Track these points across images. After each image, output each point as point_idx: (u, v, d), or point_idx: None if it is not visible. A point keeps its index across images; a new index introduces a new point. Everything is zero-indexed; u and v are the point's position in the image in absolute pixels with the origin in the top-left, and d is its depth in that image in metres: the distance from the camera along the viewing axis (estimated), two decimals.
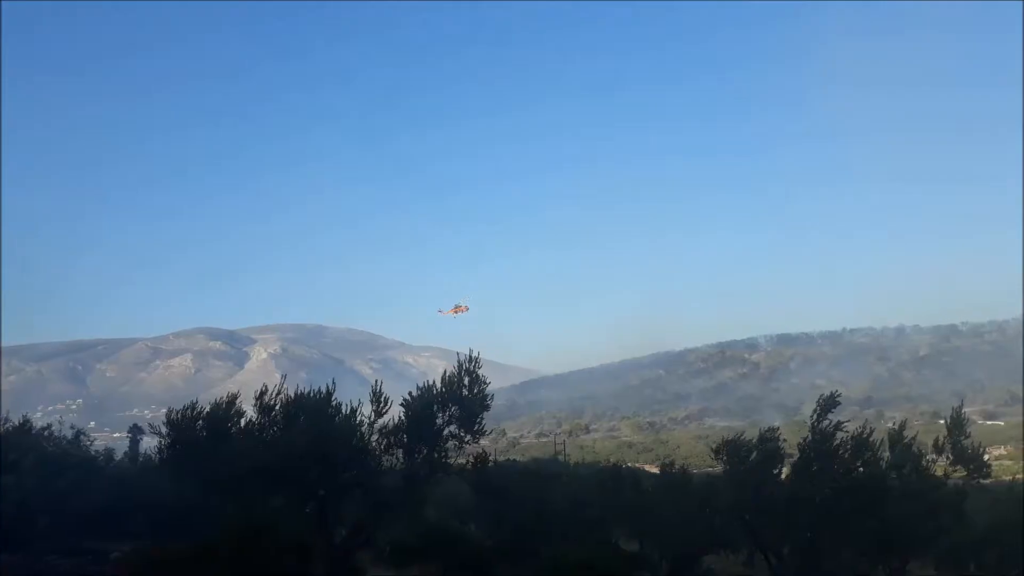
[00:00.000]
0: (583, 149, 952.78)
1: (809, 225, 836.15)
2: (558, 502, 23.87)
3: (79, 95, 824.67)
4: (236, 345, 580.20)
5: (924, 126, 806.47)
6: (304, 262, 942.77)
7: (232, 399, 17.78)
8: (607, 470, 30.70)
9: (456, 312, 56.35)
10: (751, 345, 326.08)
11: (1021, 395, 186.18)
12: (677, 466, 23.88)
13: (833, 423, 17.13)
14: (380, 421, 17.30)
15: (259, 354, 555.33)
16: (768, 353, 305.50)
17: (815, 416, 17.38)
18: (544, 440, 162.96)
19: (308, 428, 16.83)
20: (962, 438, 18.47)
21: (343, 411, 17.08)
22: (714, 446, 19.98)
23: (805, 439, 17.43)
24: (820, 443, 16.77)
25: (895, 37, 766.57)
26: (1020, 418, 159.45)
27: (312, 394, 17.63)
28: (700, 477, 24.80)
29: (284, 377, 18.06)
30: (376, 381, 18.12)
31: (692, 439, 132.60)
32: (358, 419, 17.21)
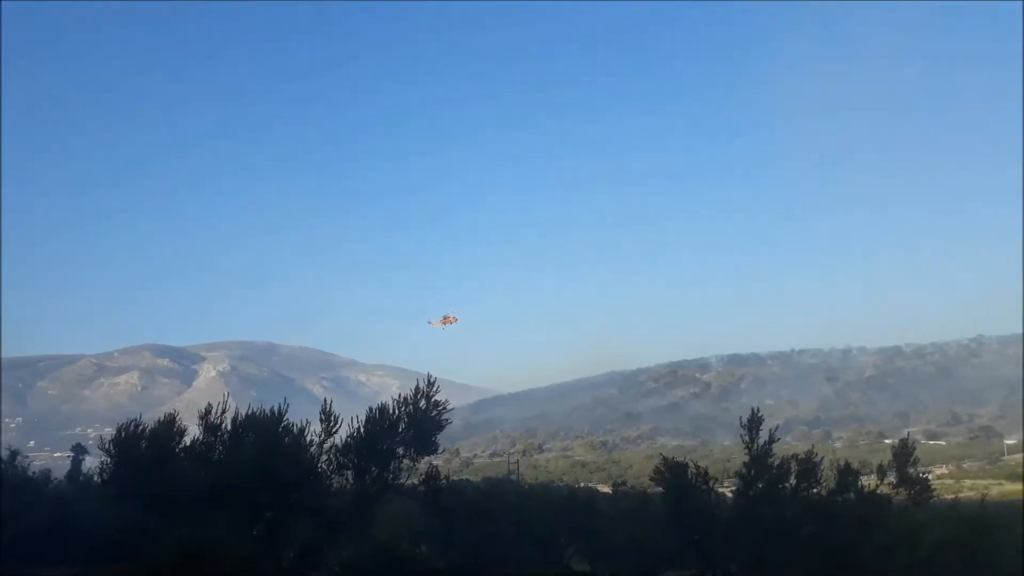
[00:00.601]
0: (541, 171, 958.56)
1: (759, 248, 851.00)
2: (510, 522, 23.79)
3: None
4: (184, 362, 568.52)
5: (869, 151, 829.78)
6: (255, 277, 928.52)
7: (171, 418, 17.39)
8: (559, 490, 30.72)
9: (445, 323, 55.70)
10: (702, 365, 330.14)
11: (963, 416, 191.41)
12: (628, 485, 24.01)
13: (766, 441, 17.41)
14: (330, 441, 17.08)
15: (208, 372, 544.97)
16: (719, 373, 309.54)
17: (747, 437, 17.67)
18: (497, 460, 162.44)
19: (256, 448, 16.52)
20: (908, 464, 18.92)
21: (292, 431, 16.82)
22: (659, 467, 20.14)
23: (745, 459, 17.70)
24: (758, 462, 17.03)
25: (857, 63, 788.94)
26: (962, 438, 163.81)
27: (261, 413, 17.34)
28: (652, 497, 24.95)
29: (227, 395, 17.73)
30: (326, 400, 17.90)
31: (644, 458, 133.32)
32: (308, 439, 16.95)
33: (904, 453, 18.78)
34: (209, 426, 17.71)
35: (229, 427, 17.35)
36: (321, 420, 16.93)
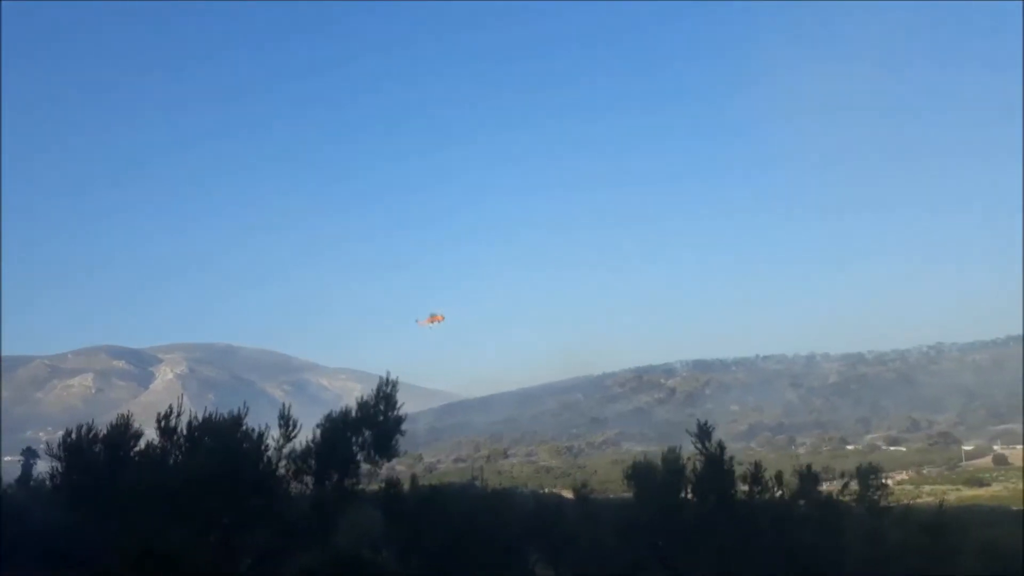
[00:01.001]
0: (507, 176, 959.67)
1: (723, 255, 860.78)
2: (473, 528, 23.68)
3: None
4: (140, 364, 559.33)
5: (837, 158, 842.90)
6: (214, 278, 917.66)
7: (125, 421, 17.07)
8: (524, 495, 30.71)
9: (432, 321, 54.84)
10: (668, 370, 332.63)
11: (922, 422, 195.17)
12: (592, 491, 24.06)
13: (716, 446, 17.63)
14: (289, 446, 16.89)
15: (165, 374, 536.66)
16: (684, 378, 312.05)
17: (696, 443, 17.87)
18: (462, 465, 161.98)
19: (213, 453, 16.27)
20: (871, 478, 19.22)
21: (251, 435, 16.59)
22: (627, 471, 20.25)
23: (700, 465, 17.88)
24: (712, 468, 17.21)
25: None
26: (921, 444, 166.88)
27: (219, 417, 17.08)
28: (616, 502, 25.03)
29: (181, 397, 17.45)
30: (285, 404, 17.71)
31: (609, 464, 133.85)
32: (267, 444, 16.73)
33: (866, 476, 19.11)
34: (165, 430, 17.38)
35: (185, 431, 17.05)
36: (280, 425, 16.73)
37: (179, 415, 16.69)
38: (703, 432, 17.45)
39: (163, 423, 17.16)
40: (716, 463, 17.43)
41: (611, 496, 27.18)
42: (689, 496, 18.84)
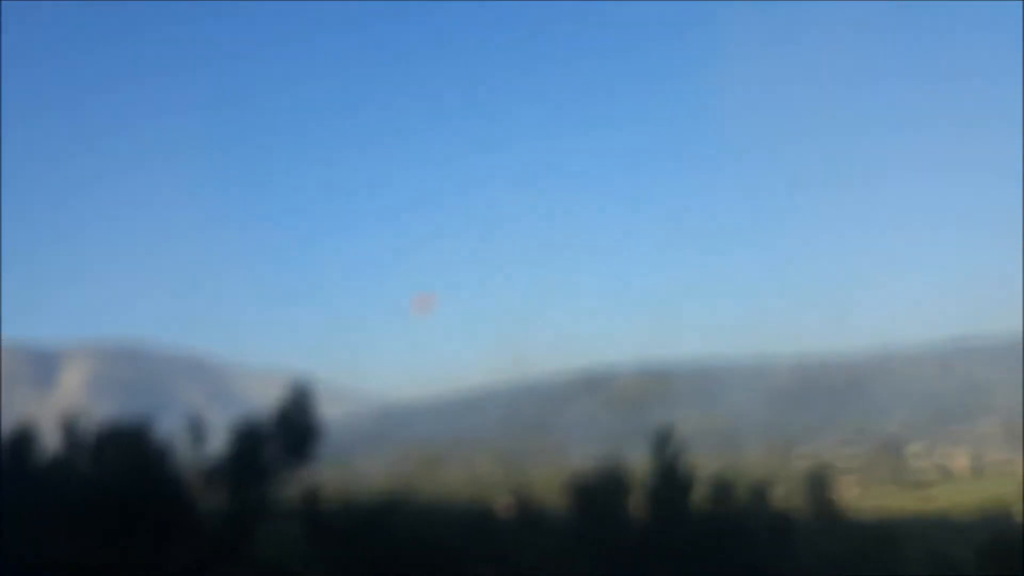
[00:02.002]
0: (451, 171, 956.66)
1: (671, 257, 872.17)
2: (408, 539, 23.49)
3: None
4: (43, 365, 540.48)
5: (789, 158, 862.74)
6: (126, 272, 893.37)
7: (26, 427, 16.47)
8: (461, 505, 30.60)
9: (425, 305, 52.19)
10: (613, 374, 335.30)
11: (870, 429, 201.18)
12: (533, 501, 24.10)
13: (674, 456, 17.83)
14: (202, 453, 16.50)
15: (71, 376, 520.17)
16: (631, 383, 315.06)
17: (655, 452, 18.03)
18: (394, 474, 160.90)
19: (121, 461, 15.82)
20: (822, 486, 19.68)
21: (161, 442, 16.16)
22: (571, 482, 20.32)
23: (653, 476, 18.04)
24: (667, 477, 17.39)
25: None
26: (868, 450, 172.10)
27: (128, 423, 16.60)
28: (558, 513, 25.09)
29: (91, 402, 16.92)
30: (197, 411, 17.32)
31: (550, 472, 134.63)
32: (178, 451, 16.33)
33: (818, 481, 19.59)
34: (69, 437, 16.83)
35: (91, 439, 16.55)
36: (192, 433, 16.34)
37: (85, 421, 16.19)
38: (661, 440, 17.63)
39: (68, 430, 16.62)
40: (670, 473, 17.62)
41: (553, 508, 27.32)
42: (636, 509, 19.01)
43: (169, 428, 17.07)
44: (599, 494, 18.20)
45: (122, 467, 15.66)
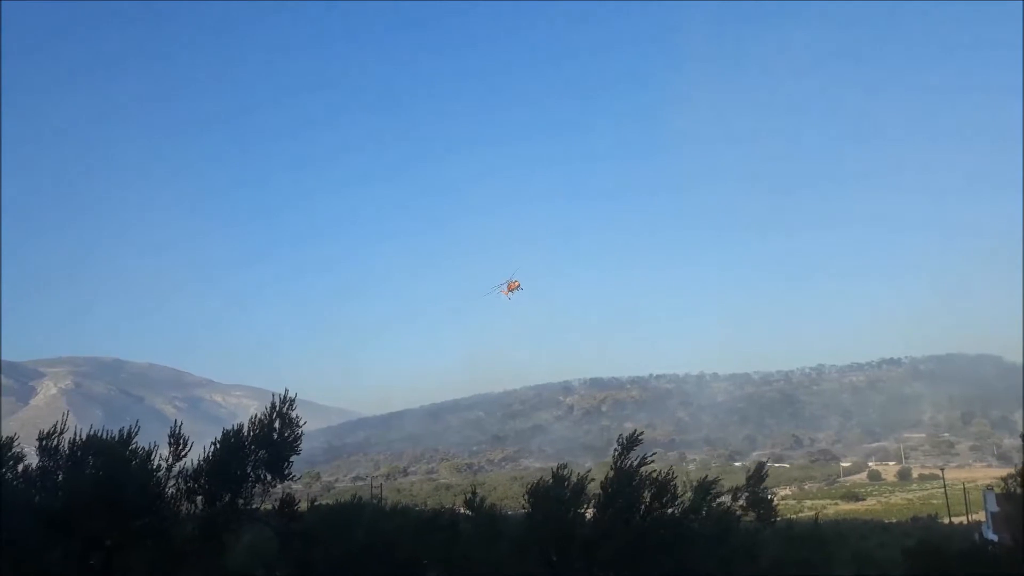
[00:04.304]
0: (410, 191, 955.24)
1: (621, 276, 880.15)
2: (370, 546, 23.33)
3: None
4: (21, 379, 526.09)
5: (738, 184, 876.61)
6: (103, 290, 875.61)
7: (3, 441, 16.09)
8: (421, 512, 30.43)
9: (511, 289, 50.21)
10: (566, 388, 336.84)
11: (804, 439, 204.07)
12: (486, 505, 24.04)
13: (636, 461, 18.01)
14: (179, 465, 16.26)
15: (48, 389, 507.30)
16: (581, 396, 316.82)
17: (617, 454, 18.19)
18: (360, 484, 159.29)
19: (96, 473, 15.51)
20: (759, 487, 19.92)
21: (139, 453, 15.90)
22: (527, 487, 20.40)
23: (607, 476, 18.21)
24: (622, 481, 17.54)
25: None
26: (803, 461, 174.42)
27: (106, 435, 16.29)
28: (514, 518, 25.12)
29: (65, 414, 16.58)
30: (176, 421, 17.06)
31: (508, 480, 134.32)
32: (155, 463, 16.06)
33: (757, 478, 19.83)
34: (46, 449, 16.45)
35: (67, 450, 16.19)
36: (170, 443, 16.09)
37: (62, 433, 15.85)
38: (630, 443, 17.79)
39: (44, 442, 16.26)
40: (620, 479, 17.79)
41: (510, 512, 27.26)
42: (587, 511, 19.14)
43: (147, 439, 16.76)
44: (553, 498, 18.25)
45: (99, 477, 15.34)
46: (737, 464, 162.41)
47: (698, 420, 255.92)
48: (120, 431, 16.59)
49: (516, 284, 49.04)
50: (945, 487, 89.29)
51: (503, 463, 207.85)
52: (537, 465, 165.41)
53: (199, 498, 16.71)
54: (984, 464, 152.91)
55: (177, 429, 16.34)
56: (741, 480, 21.28)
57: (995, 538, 25.06)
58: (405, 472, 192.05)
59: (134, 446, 16.68)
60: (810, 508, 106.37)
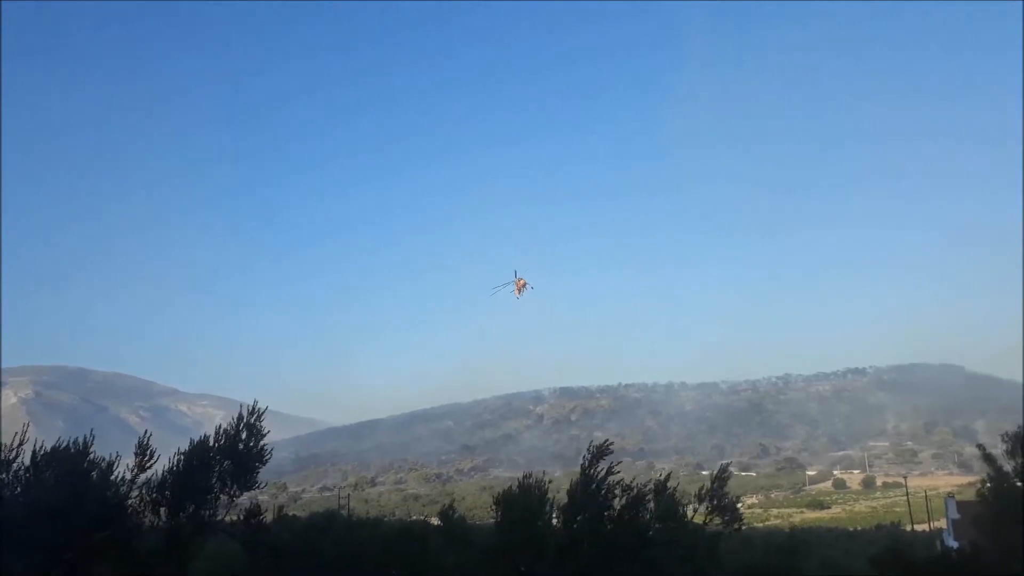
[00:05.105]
0: (376, 203, 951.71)
1: (590, 287, 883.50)
2: (338, 558, 23.07)
3: None
4: None
5: (709, 191, 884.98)
6: (66, 295, 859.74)
7: None
8: (390, 523, 30.24)
9: (520, 288, 48.62)
10: (536, 398, 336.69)
11: (771, 448, 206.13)
12: (456, 515, 23.92)
13: (604, 469, 18.01)
14: (144, 476, 15.95)
15: (8, 398, 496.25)
16: (551, 405, 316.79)
17: (587, 462, 18.19)
18: (328, 494, 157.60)
19: (57, 484, 15.16)
20: (723, 492, 20.02)
21: (100, 465, 15.57)
22: (496, 497, 20.32)
23: (573, 483, 18.20)
24: (588, 488, 17.53)
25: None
26: (770, 469, 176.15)
27: (67, 445, 15.94)
28: (484, 528, 25.01)
29: (26, 425, 16.19)
30: (145, 432, 16.75)
31: (477, 490, 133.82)
32: (118, 474, 15.73)
33: (721, 482, 19.92)
34: (3, 462, 16.05)
35: (27, 461, 15.81)
36: (136, 454, 15.77)
37: (22, 444, 15.48)
38: (600, 451, 17.77)
39: (2, 455, 15.86)
40: (589, 486, 17.78)
41: (479, 522, 27.20)
42: (555, 520, 19.11)
43: (110, 449, 16.42)
44: (521, 506, 18.21)
45: (59, 489, 15.01)
46: (704, 473, 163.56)
47: (667, 429, 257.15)
48: (75, 440, 16.21)
49: (523, 282, 48.46)
50: (908, 495, 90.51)
51: (472, 473, 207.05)
52: (507, 475, 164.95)
53: (163, 509, 16.39)
54: (946, 472, 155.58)
55: (146, 440, 16.04)
56: (708, 485, 21.40)
57: (956, 544, 25.45)
58: (373, 482, 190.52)
59: (92, 456, 16.30)
60: (776, 516, 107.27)
